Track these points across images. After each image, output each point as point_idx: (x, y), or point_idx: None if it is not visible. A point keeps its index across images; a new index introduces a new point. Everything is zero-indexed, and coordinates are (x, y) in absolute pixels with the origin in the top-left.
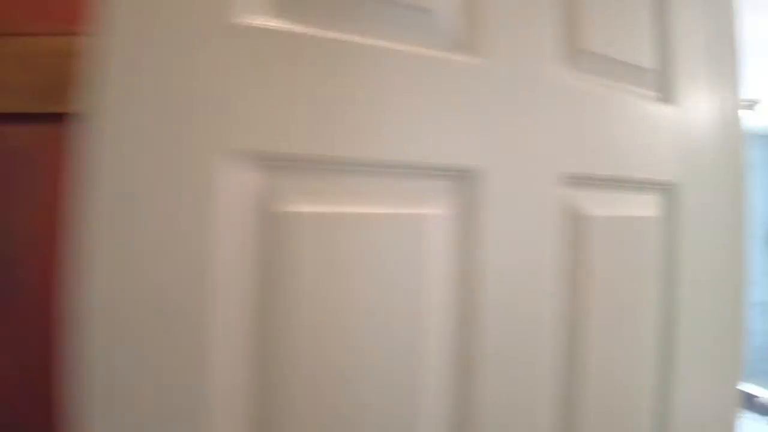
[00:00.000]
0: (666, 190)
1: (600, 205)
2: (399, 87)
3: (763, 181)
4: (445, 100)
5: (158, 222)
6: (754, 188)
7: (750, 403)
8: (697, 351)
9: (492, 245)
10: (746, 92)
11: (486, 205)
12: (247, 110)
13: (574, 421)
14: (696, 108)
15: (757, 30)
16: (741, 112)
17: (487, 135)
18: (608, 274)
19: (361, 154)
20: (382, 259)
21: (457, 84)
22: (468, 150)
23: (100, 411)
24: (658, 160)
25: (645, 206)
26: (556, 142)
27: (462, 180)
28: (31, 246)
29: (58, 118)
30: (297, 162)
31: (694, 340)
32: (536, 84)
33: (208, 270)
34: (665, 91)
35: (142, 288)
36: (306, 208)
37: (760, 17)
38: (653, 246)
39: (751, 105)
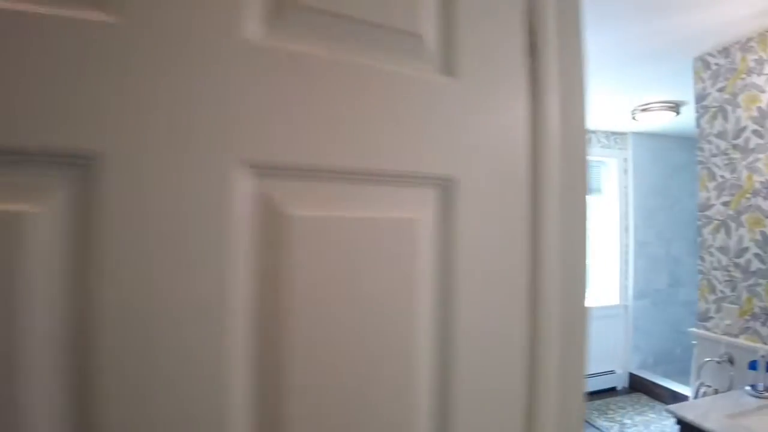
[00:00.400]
0: (441, 185)
1: (317, 204)
2: None
3: (690, 183)
4: None
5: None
6: (681, 190)
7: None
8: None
9: (108, 248)
10: (669, 94)
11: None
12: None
13: None
14: (485, 89)
15: (676, 30)
16: (584, 109)
17: (111, 108)
18: (323, 291)
19: None
20: None
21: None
22: (89, 127)
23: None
24: (429, 150)
25: (405, 205)
26: (235, 121)
27: (76, 168)
28: None
29: None
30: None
31: (474, 355)
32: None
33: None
34: (448, 66)
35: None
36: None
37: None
38: (413, 257)
39: (675, 107)
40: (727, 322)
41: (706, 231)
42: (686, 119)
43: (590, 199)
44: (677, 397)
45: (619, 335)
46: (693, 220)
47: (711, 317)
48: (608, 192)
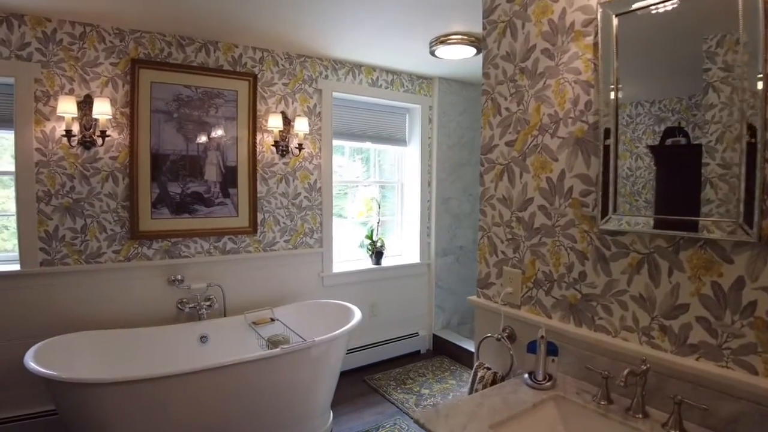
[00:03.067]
0: None
1: None
2: None
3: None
4: None
5: None
6: None
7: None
8: None
9: None
10: (469, 24)
11: None
12: None
13: None
14: None
15: None
16: None
17: None
18: None
19: None
20: None
21: None
22: None
23: None
24: None
25: None
26: None
27: None
28: None
29: None
30: None
31: None
32: None
33: None
34: None
35: None
36: None
37: None
38: None
39: (476, 43)
40: (509, 289)
41: (488, 178)
42: None
43: (395, 150)
44: None
45: (422, 295)
46: None
47: (492, 283)
48: (413, 143)
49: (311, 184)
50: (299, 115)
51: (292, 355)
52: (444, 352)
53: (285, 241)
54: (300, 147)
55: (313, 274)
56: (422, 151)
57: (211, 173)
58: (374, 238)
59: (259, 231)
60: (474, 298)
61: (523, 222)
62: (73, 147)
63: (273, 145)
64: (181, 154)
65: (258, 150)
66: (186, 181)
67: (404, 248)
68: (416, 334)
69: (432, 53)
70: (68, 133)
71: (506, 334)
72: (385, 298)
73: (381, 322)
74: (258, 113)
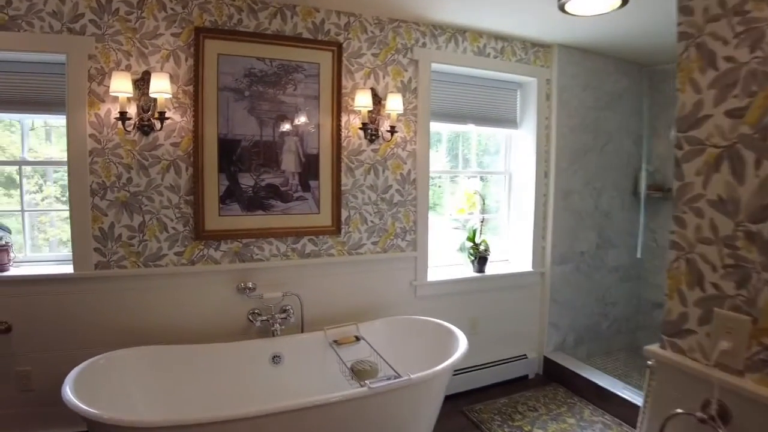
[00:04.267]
0: None
1: None
2: None
3: (628, 118)
4: None
5: None
6: (617, 126)
7: None
8: None
9: None
10: None
11: None
12: None
13: None
14: None
15: None
16: None
17: None
18: None
19: None
20: None
21: None
22: None
23: None
24: None
25: None
26: None
27: None
28: None
29: None
30: None
31: None
32: None
33: None
34: None
35: None
36: None
37: None
38: None
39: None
40: (725, 345)
41: (691, 168)
42: (631, 23)
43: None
44: (603, 395)
45: (532, 310)
46: (628, 164)
47: (690, 330)
48: (526, 125)
49: (404, 175)
50: (392, 92)
51: (382, 393)
52: (557, 379)
53: (373, 243)
54: (392, 130)
55: (405, 283)
56: (538, 134)
57: (289, 162)
58: (477, 241)
59: (343, 231)
60: (655, 348)
61: (759, 240)
62: (129, 132)
63: (360, 129)
64: (253, 140)
65: (343, 135)
66: (260, 172)
67: (512, 253)
68: (524, 357)
69: (561, 8)
70: (122, 116)
71: (715, 413)
72: (489, 312)
73: (483, 342)
74: (343, 90)
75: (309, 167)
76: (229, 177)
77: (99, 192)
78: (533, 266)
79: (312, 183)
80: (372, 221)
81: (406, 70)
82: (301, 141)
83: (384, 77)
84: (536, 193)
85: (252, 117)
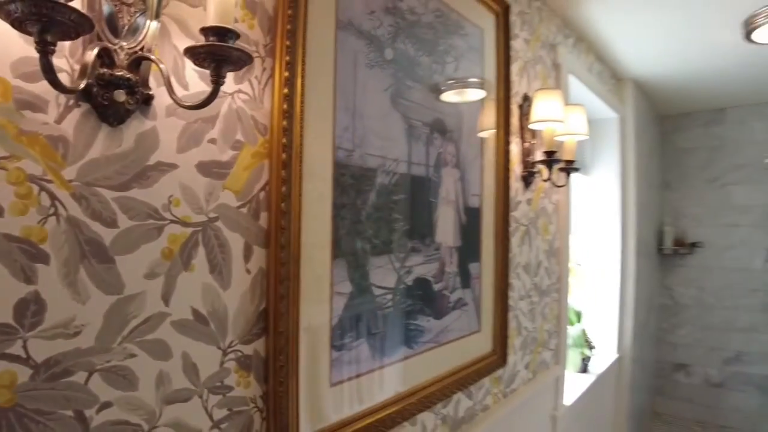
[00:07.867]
0: None
1: None
2: None
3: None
4: None
5: None
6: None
7: None
8: None
9: None
10: None
11: None
12: None
13: None
14: None
15: None
16: None
17: None
18: None
19: None
20: None
21: None
22: None
23: None
24: None
25: None
26: None
27: None
28: None
29: None
30: None
31: None
32: None
33: None
34: None
35: None
36: None
37: None
38: None
39: None
40: None
41: None
42: None
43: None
44: None
45: (606, 412)
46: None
47: None
48: (601, 169)
49: (550, 243)
50: (570, 105)
51: None
52: None
53: (525, 368)
54: (569, 167)
55: (543, 416)
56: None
57: (447, 226)
58: (582, 326)
59: (509, 358)
60: None
61: None
62: None
63: (541, 162)
64: (397, 171)
65: (511, 173)
66: (406, 252)
67: (589, 334)
68: None
69: (748, 36)
70: None
71: None
72: None
73: None
74: (510, 84)
75: (468, 236)
76: (353, 269)
77: None
78: (617, 350)
79: (472, 268)
80: (526, 327)
81: (549, 76)
82: (462, 181)
83: (533, 79)
84: (623, 251)
85: (397, 114)
